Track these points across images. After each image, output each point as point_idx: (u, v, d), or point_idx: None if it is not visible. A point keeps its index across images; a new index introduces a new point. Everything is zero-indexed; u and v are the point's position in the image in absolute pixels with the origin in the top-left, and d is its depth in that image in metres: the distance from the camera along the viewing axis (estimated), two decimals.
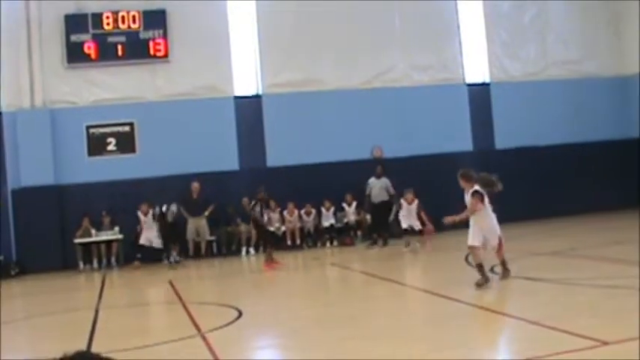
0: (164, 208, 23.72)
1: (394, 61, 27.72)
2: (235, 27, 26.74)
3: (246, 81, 26.77)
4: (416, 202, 22.01)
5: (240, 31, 26.79)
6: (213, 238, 25.34)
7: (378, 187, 24.60)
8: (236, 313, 12.85)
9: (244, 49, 26.78)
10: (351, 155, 26.36)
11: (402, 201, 22.32)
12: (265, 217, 21.97)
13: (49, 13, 25.31)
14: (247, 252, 25.13)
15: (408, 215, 22.02)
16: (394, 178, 24.58)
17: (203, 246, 24.85)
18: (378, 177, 24.73)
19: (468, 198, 13.81)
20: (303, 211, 25.90)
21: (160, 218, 24.00)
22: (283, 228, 25.73)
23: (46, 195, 24.53)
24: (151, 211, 24.05)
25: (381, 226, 24.52)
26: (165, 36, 25.86)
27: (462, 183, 14.07)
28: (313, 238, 26.02)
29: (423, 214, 21.68)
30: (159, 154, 25.44)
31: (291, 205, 25.68)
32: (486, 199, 13.71)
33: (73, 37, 25.43)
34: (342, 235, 26.10)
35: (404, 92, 27.50)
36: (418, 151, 27.02)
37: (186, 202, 24.69)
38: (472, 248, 13.69)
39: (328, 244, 25.71)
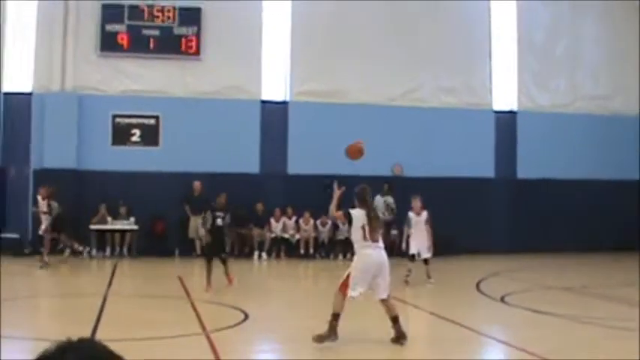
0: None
1: (422, 81, 27.71)
2: (268, 32, 26.83)
3: (274, 86, 26.85)
4: (425, 212, 19.14)
5: (273, 36, 26.88)
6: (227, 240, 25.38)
7: (381, 205, 24.53)
8: (242, 316, 12.92)
9: (275, 55, 26.87)
10: (371, 170, 26.26)
11: (410, 213, 19.51)
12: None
13: (87, 1, 25.51)
14: (260, 256, 25.18)
15: (417, 232, 19.07)
16: (409, 197, 24.57)
17: (198, 245, 24.53)
18: (384, 195, 24.69)
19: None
20: (318, 222, 25.93)
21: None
22: (298, 236, 25.76)
23: (67, 178, 24.66)
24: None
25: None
26: (198, 34, 26.00)
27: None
28: (327, 249, 26.02)
29: (430, 227, 19.05)
30: (181, 150, 25.53)
31: (307, 214, 25.71)
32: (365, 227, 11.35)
33: (108, 27, 25.61)
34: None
35: (429, 113, 27.47)
36: (438, 173, 26.96)
37: (188, 200, 24.77)
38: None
39: (341, 256, 25.71)
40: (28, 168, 25.11)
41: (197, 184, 24.93)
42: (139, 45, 25.71)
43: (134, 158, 25.36)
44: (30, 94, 25.30)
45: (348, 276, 10.96)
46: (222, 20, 26.14)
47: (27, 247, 24.31)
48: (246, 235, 25.53)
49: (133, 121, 25.75)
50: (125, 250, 24.84)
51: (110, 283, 17.87)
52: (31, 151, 25.11)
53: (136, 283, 19.92)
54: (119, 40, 25.63)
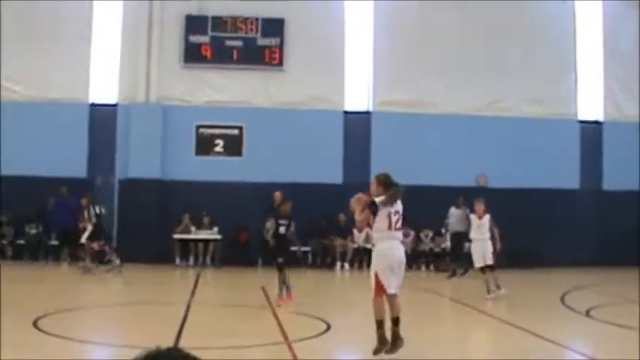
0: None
1: (506, 91, 27.34)
2: (351, 42, 26.82)
3: (356, 96, 26.82)
4: (487, 216, 18.38)
5: (356, 46, 26.87)
6: (308, 248, 25.44)
7: (456, 217, 24.25)
8: (324, 326, 12.89)
9: (358, 65, 26.85)
10: (454, 181, 26.06)
11: (472, 216, 18.96)
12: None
13: (171, 13, 25.88)
14: (342, 266, 25.14)
15: (478, 237, 18.32)
16: (494, 208, 24.28)
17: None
18: (458, 207, 24.44)
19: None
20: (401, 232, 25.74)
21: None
22: None
23: (151, 188, 25.01)
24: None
25: (457, 257, 24.00)
26: (281, 45, 26.14)
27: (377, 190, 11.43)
28: (409, 260, 25.78)
29: (496, 232, 18.30)
30: (264, 160, 25.65)
31: None
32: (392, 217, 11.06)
33: (192, 38, 25.93)
34: (438, 260, 25.87)
35: (514, 122, 27.07)
36: (522, 184, 26.57)
37: (269, 210, 24.83)
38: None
39: (424, 267, 25.54)
40: (114, 178, 25.55)
41: (278, 195, 24.93)
42: (222, 56, 25.95)
43: (217, 168, 25.57)
44: (115, 105, 25.77)
45: (377, 278, 10.66)
46: (305, 31, 26.23)
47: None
48: (328, 246, 25.54)
49: (217, 131, 25.99)
50: (208, 259, 25.04)
51: (194, 292, 18.01)
52: (116, 162, 25.54)
53: (218, 293, 20.07)
54: (203, 52, 25.93)
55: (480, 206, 18.50)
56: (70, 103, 25.48)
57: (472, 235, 18.66)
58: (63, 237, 24.72)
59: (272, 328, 12.93)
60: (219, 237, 25.04)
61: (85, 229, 22.80)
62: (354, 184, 25.85)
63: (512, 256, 25.18)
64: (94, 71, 25.82)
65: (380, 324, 10.58)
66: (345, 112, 26.61)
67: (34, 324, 12.54)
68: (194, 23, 25.90)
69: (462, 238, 22.98)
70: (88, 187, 24.90)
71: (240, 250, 25.22)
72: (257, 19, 26.02)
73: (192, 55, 25.96)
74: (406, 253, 24.93)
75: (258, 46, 26.09)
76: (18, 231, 25.03)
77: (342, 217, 25.41)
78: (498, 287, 17.88)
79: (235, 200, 24.84)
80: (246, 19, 25.99)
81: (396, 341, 10.57)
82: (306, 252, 25.50)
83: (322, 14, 26.43)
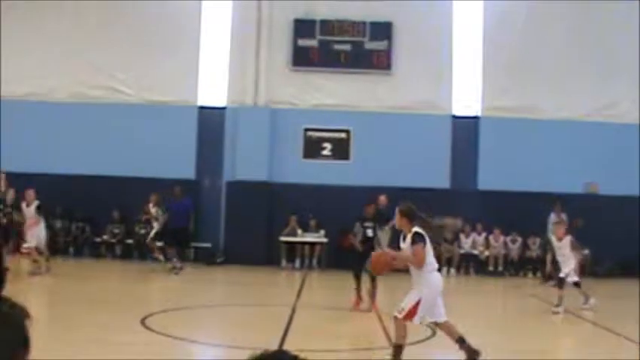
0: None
1: (618, 96, 26.58)
2: (459, 46, 26.50)
3: (464, 101, 26.50)
4: (568, 238, 17.17)
5: (464, 50, 26.54)
6: None
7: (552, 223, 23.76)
8: (430, 331, 12.74)
9: (466, 69, 26.53)
10: (562, 188, 25.48)
11: (552, 237, 18.03)
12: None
13: (280, 16, 26.04)
14: (448, 272, 24.88)
15: (560, 259, 17.38)
16: (604, 216, 23.71)
17: None
18: (557, 213, 23.89)
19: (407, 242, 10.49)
20: (509, 238, 25.41)
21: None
22: (487, 253, 25.32)
23: (258, 191, 25.20)
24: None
25: (552, 265, 23.31)
26: (389, 48, 26.03)
27: (401, 222, 10.86)
28: (516, 266, 25.45)
29: (578, 254, 17.50)
30: (371, 164, 25.56)
31: (497, 231, 25.24)
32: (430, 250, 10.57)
33: (300, 41, 26.05)
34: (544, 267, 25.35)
35: (625, 128, 26.28)
36: (633, 192, 25.73)
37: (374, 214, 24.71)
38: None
39: (531, 274, 25.10)
40: (221, 180, 25.85)
41: (382, 198, 24.82)
42: (330, 59, 25.99)
43: (325, 172, 25.59)
44: (224, 108, 26.07)
45: (417, 305, 10.12)
46: (413, 34, 26.05)
47: (219, 257, 24.99)
48: (434, 251, 25.27)
49: (325, 135, 26.03)
50: (314, 262, 25.10)
51: (299, 295, 18.06)
52: (224, 164, 25.84)
53: (324, 295, 20.09)
54: (311, 55, 26.02)
55: (559, 229, 17.70)
56: (180, 106, 25.91)
57: (556, 257, 17.89)
58: (172, 237, 25.05)
59: (376, 331, 12.85)
60: (325, 240, 25.07)
61: (151, 229, 23.14)
62: (461, 189, 25.67)
63: (626, 264, 24.57)
64: (203, 74, 26.18)
65: (399, 349, 10.20)
66: (453, 117, 26.32)
67: (142, 322, 12.74)
68: (302, 27, 26.01)
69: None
70: (197, 189, 25.28)
71: (346, 254, 25.13)
72: (365, 22, 25.97)
73: (301, 58, 26.07)
74: (512, 260, 24.54)
75: (366, 49, 26.05)
76: (127, 230, 25.55)
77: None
78: (587, 299, 17.22)
79: (341, 204, 24.74)
80: (354, 22, 25.97)
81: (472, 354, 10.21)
82: None
83: (431, 18, 26.21)
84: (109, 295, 17.86)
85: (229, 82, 26.13)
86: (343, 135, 26.02)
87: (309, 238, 25.11)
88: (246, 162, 25.43)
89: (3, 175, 20.51)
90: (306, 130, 26.00)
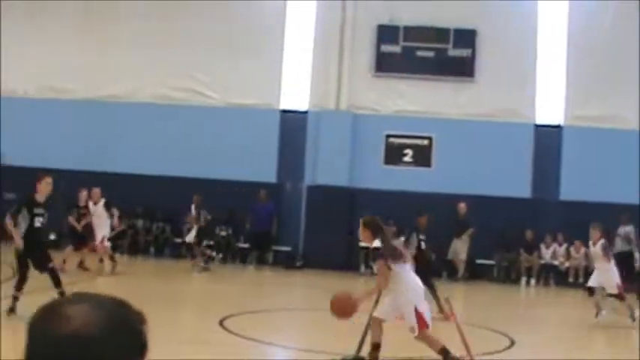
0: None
1: None
2: (543, 54, 26.12)
3: (548, 110, 26.13)
4: (600, 243, 16.78)
5: (548, 58, 26.16)
6: (492, 262, 25.05)
7: (621, 236, 23.24)
8: (508, 342, 12.63)
9: (550, 78, 26.16)
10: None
11: (590, 243, 17.55)
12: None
13: (363, 22, 26.06)
14: (527, 282, 24.60)
15: (597, 265, 16.98)
16: None
17: (461, 267, 24.56)
18: (624, 224, 23.35)
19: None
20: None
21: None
22: (567, 264, 24.93)
23: (338, 196, 25.24)
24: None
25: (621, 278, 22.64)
26: (473, 55, 25.83)
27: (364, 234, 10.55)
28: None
29: (607, 259, 16.71)
30: (452, 172, 25.37)
31: (578, 242, 24.79)
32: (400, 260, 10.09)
33: (383, 47, 26.03)
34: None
35: None
36: None
37: (452, 222, 24.60)
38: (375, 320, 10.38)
39: None
40: (302, 184, 25.96)
41: (462, 206, 24.74)
42: (413, 66, 25.91)
43: (406, 178, 25.51)
44: (306, 112, 26.18)
45: (417, 312, 9.96)
46: (497, 41, 25.78)
47: (298, 261, 25.09)
48: (513, 260, 25.04)
49: (406, 141, 25.97)
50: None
51: (377, 301, 18.00)
52: (305, 168, 25.95)
53: None
54: (394, 61, 25.97)
55: (595, 232, 17.23)
56: (262, 109, 26.12)
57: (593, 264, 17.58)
58: (255, 240, 25.27)
59: (454, 340, 12.76)
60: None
61: (190, 229, 23.36)
62: (543, 199, 25.33)
63: None
64: (285, 78, 26.34)
65: (445, 352, 10.01)
66: (536, 126, 25.99)
67: (221, 323, 12.86)
68: (386, 33, 25.99)
69: (624, 258, 21.94)
70: (278, 193, 25.45)
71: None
72: (449, 29, 25.82)
73: (384, 64, 26.06)
74: (593, 272, 23.96)
75: (449, 56, 25.91)
76: (209, 233, 25.80)
77: (529, 232, 24.83)
78: (633, 315, 16.66)
79: (422, 211, 24.58)
80: (437, 29, 25.85)
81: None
82: (490, 266, 25.12)
83: (515, 25, 25.91)
84: (188, 295, 18.10)
85: (312, 86, 26.24)
86: (425, 142, 25.91)
87: None
88: (327, 166, 25.49)
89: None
90: (388, 136, 25.96)
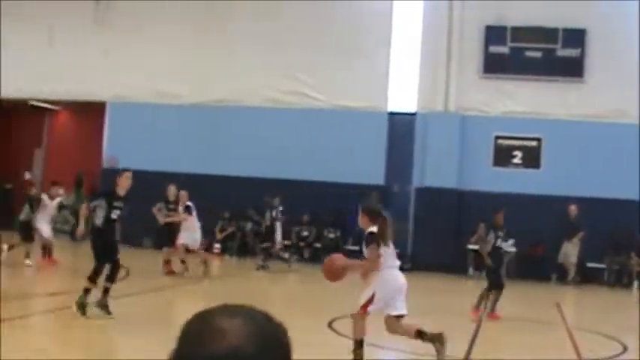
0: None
1: None
2: None
3: None
4: None
5: None
6: (603, 265, 24.60)
7: None
8: (620, 348, 12.45)
9: None
10: None
11: None
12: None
13: (471, 23, 25.89)
14: None
15: None
16: None
17: (572, 271, 24.19)
18: None
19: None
20: None
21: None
22: None
23: (447, 197, 25.16)
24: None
25: None
26: (582, 55, 25.40)
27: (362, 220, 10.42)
28: None
29: None
30: (562, 173, 25.01)
31: None
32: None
33: (491, 48, 25.85)
34: None
35: None
36: None
37: (563, 224, 24.24)
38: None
39: None
40: (410, 186, 25.95)
41: (572, 208, 24.37)
42: (521, 66, 25.65)
43: (514, 180, 25.26)
44: (414, 114, 26.16)
45: (371, 298, 10.06)
46: (608, 42, 25.27)
47: (406, 263, 25.08)
48: (624, 264, 24.54)
49: (515, 142, 25.72)
50: (502, 271, 24.76)
51: (486, 304, 17.91)
52: (413, 170, 25.94)
53: (510, 306, 19.80)
54: (502, 62, 25.76)
55: None
56: (370, 112, 26.20)
57: None
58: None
59: (564, 345, 12.65)
60: (513, 249, 24.72)
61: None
62: None
63: None
64: (393, 80, 26.36)
65: (358, 344, 10.15)
66: None
67: (330, 325, 13.01)
68: (493, 33, 25.80)
69: None
70: (386, 195, 25.48)
71: (534, 264, 24.79)
72: (557, 29, 25.46)
73: (492, 65, 25.87)
74: None
75: (558, 56, 25.55)
76: (317, 234, 26.06)
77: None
78: None
79: (531, 213, 24.32)
80: (546, 29, 25.51)
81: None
82: (601, 269, 24.66)
83: (626, 24, 25.35)
84: (297, 296, 18.32)
85: (420, 89, 26.19)
86: (534, 143, 25.61)
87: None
88: (436, 168, 25.44)
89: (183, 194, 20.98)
90: (497, 137, 25.76)
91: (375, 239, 10.01)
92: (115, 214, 13.02)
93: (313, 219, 26.11)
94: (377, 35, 26.32)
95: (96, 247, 12.93)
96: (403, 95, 26.34)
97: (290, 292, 19.44)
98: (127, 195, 13.27)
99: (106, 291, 12.83)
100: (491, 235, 16.65)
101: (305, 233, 26.09)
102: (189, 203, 20.25)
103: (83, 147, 30.69)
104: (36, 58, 28.52)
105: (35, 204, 20.33)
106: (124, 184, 13.27)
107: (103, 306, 12.75)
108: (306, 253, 26.14)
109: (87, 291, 12.65)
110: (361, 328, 10.15)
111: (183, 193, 20.37)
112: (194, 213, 20.28)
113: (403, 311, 10.22)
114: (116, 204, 13.02)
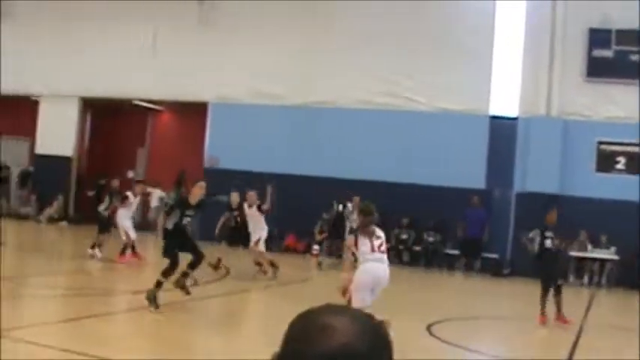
0: None
1: None
2: None
3: None
4: None
5: None
6: None
7: None
8: None
9: None
10: None
11: None
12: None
13: (574, 25, 25.44)
14: None
15: None
16: None
17: None
18: None
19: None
20: None
21: None
22: None
23: (548, 203, 24.73)
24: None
25: None
26: None
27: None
28: None
29: None
30: None
31: None
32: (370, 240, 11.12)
33: (595, 52, 25.36)
34: None
35: None
36: None
37: None
38: None
39: None
40: (511, 191, 25.66)
41: None
42: (625, 71, 25.09)
43: (617, 186, 24.74)
44: (516, 118, 25.85)
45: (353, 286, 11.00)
46: None
47: (506, 268, 24.85)
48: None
49: (618, 148, 25.19)
50: (604, 279, 24.35)
51: (587, 312, 17.63)
52: (514, 175, 25.63)
53: (613, 315, 19.48)
54: (606, 66, 25.25)
55: None
56: (471, 115, 25.98)
57: None
58: (464, 246, 25.21)
59: None
60: (616, 257, 24.24)
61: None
62: None
63: None
64: (495, 83, 26.08)
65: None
66: None
67: (428, 329, 12.98)
68: (597, 36, 25.30)
69: None
70: (487, 199, 25.28)
71: (637, 273, 24.22)
72: None
73: (595, 68, 25.39)
74: None
75: None
76: (416, 238, 25.98)
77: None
78: None
79: (635, 220, 23.80)
80: None
81: None
82: None
83: None
84: (395, 300, 18.28)
85: (522, 93, 25.87)
86: (637, 149, 25.01)
87: (599, 254, 24.37)
88: (537, 173, 25.10)
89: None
90: (600, 143, 25.27)
91: (356, 233, 11.45)
92: (185, 220, 13.91)
93: (413, 222, 26.04)
94: (479, 36, 26.05)
95: (167, 246, 13.74)
96: (505, 98, 26.04)
97: (386, 295, 19.41)
98: (199, 202, 14.21)
99: (184, 274, 13.89)
100: (535, 233, 16.24)
101: (404, 236, 26.04)
102: (265, 206, 19.40)
103: (185, 147, 31.21)
104: (140, 59, 29.19)
105: (116, 199, 20.82)
106: (196, 194, 14.26)
107: (181, 286, 13.87)
108: (405, 257, 26.09)
109: (158, 284, 13.31)
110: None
111: (252, 194, 19.66)
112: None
113: (366, 304, 10.63)
114: (188, 212, 13.94)
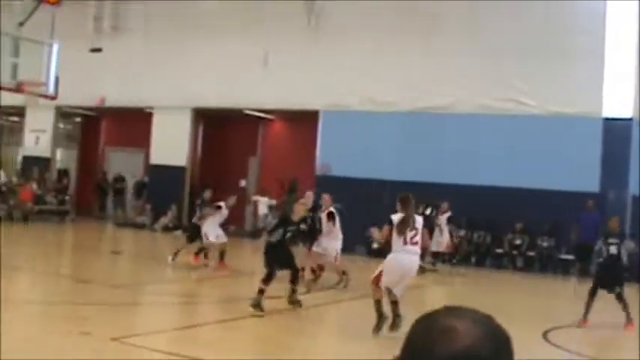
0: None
1: None
2: None
3: None
4: None
5: None
6: None
7: None
8: None
9: None
10: None
11: None
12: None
13: None
14: None
15: None
16: None
17: None
18: None
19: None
20: None
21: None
22: None
23: None
24: None
25: None
26: None
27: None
28: None
29: None
30: None
31: None
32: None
33: None
34: None
35: None
36: None
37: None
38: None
39: None
40: (627, 194, 25.07)
41: None
42: None
43: None
44: (630, 119, 25.26)
45: (380, 274, 12.18)
46: None
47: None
48: None
49: None
50: None
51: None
52: (629, 177, 25.05)
53: None
54: None
55: None
56: (584, 117, 25.47)
57: None
58: (579, 251, 24.71)
59: None
60: None
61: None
62: None
63: None
64: (607, 84, 25.51)
65: (377, 302, 12.29)
66: None
67: (544, 336, 12.80)
68: None
69: None
70: (601, 203, 24.76)
71: None
72: None
73: None
74: None
75: None
76: (530, 243, 25.62)
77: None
78: None
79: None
80: None
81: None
82: None
83: None
84: (510, 306, 18.05)
85: (636, 91, 25.24)
86: None
87: None
88: None
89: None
90: None
91: (391, 223, 12.21)
92: (287, 235, 14.55)
93: (526, 227, 25.68)
94: (590, 37, 25.54)
95: (268, 258, 14.34)
96: (618, 99, 25.45)
97: (502, 301, 19.16)
98: (300, 220, 15.39)
99: (293, 291, 14.62)
100: (599, 245, 15.53)
101: (518, 241, 25.74)
102: (332, 209, 18.38)
103: (296, 155, 31.48)
104: (251, 69, 29.59)
105: (208, 208, 20.92)
106: (299, 211, 15.12)
107: (293, 302, 14.60)
108: (519, 262, 25.77)
109: (261, 292, 13.84)
110: (378, 295, 12.36)
111: (327, 197, 18.68)
112: (337, 219, 18.35)
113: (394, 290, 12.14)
114: (290, 229, 14.56)
